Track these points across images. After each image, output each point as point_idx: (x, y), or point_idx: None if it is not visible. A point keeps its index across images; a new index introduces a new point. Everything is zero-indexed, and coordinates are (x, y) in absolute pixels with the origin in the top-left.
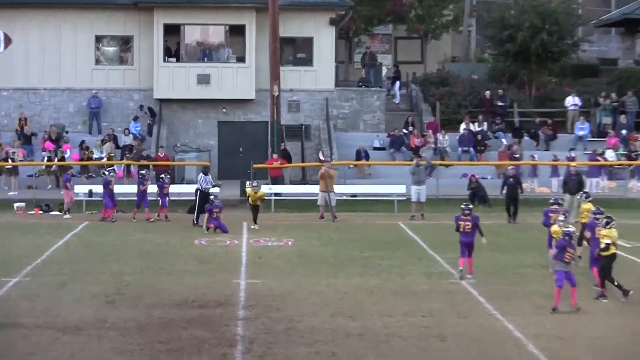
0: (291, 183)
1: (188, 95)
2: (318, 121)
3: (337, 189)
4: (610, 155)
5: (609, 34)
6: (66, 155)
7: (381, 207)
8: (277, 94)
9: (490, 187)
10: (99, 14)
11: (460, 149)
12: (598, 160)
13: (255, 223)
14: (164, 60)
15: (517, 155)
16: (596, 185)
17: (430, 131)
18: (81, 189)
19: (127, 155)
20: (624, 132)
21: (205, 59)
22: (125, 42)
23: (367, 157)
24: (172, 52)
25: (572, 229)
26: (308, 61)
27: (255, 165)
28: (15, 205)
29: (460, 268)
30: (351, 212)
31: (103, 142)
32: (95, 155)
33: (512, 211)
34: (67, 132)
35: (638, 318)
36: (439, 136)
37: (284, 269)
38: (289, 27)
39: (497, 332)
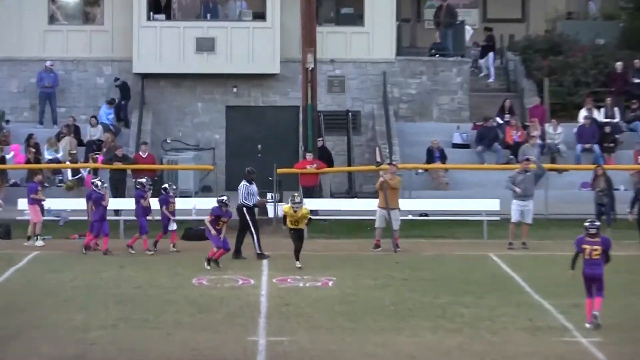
0: (333, 196)
1: (182, 69)
2: (372, 105)
3: (402, 204)
4: None
5: None
6: (8, 156)
7: (464, 231)
8: (311, 66)
9: (619, 202)
10: None
11: (579, 146)
12: None
13: (298, 259)
14: (148, 19)
15: None
16: None
17: (536, 120)
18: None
19: (93, 155)
20: None
21: (208, 15)
22: None
23: (443, 159)
24: (160, 7)
25: None
26: (357, 19)
27: (280, 171)
28: None
29: (595, 312)
30: (420, 239)
31: (59, 136)
32: (48, 156)
33: None
34: (7, 121)
35: None
36: (548, 128)
37: (322, 321)
38: None
39: None
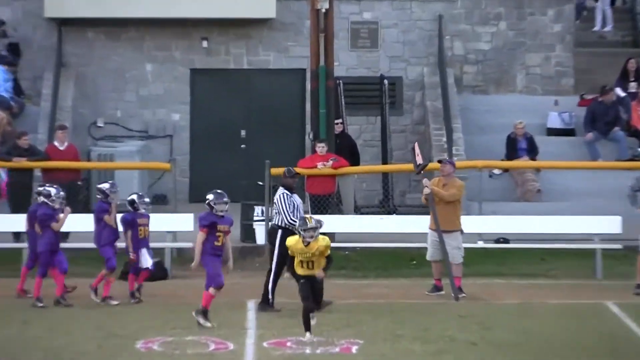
0: (359, 211)
1: (123, 11)
2: (420, 69)
3: (467, 223)
4: None
5: None
6: None
7: (565, 265)
8: (326, 6)
9: None
10: None
11: None
12: None
13: (309, 329)
14: None
15: None
16: None
17: None
18: None
19: None
20: None
21: None
22: None
23: (532, 152)
24: None
25: None
26: None
27: (275, 171)
28: None
29: None
30: (496, 278)
31: None
32: None
33: None
34: None
35: None
36: None
37: None
38: None
39: None
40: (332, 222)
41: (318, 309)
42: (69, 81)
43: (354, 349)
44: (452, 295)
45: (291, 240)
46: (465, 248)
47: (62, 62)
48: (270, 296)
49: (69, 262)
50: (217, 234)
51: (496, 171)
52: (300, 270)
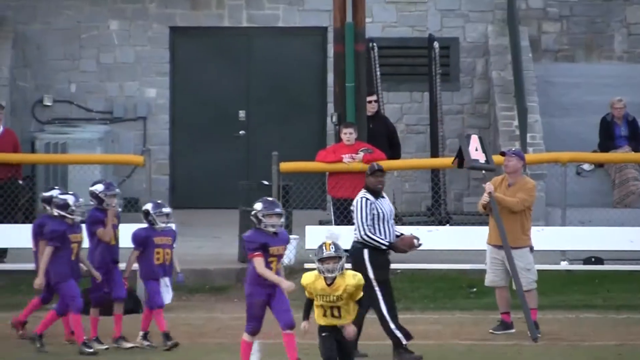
0: (399, 221)
1: None
2: (484, 27)
3: (543, 236)
4: None
5: None
6: None
7: None
8: None
9: None
10: None
11: None
12: None
13: None
14: None
15: None
16: None
17: None
18: None
19: None
20: None
21: None
22: None
23: (635, 139)
24: None
25: None
26: None
27: (286, 167)
28: None
29: None
30: (587, 311)
31: None
32: None
33: None
34: None
35: None
36: None
37: None
38: None
39: None
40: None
41: None
42: (5, 44)
43: None
44: (531, 337)
45: (308, 277)
46: (543, 271)
47: None
48: (399, 336)
49: (2, 289)
50: (270, 259)
51: (586, 167)
52: (321, 320)
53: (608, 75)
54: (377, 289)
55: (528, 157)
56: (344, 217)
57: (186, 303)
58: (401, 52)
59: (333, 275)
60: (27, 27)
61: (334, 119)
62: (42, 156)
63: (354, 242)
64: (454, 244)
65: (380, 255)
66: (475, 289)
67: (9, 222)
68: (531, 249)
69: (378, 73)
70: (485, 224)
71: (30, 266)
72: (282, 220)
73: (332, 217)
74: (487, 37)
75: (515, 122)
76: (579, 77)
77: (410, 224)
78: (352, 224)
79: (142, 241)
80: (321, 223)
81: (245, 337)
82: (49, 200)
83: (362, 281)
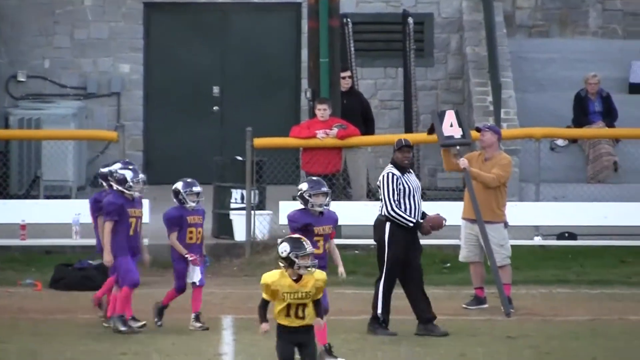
0: (372, 196)
1: None
2: (457, 3)
3: (518, 212)
4: None
5: None
6: None
7: None
8: None
9: None
10: None
11: None
12: None
13: None
14: None
15: None
16: None
17: None
18: None
19: None
20: None
21: None
22: None
23: (609, 115)
24: None
25: None
26: None
27: (260, 142)
28: None
29: None
30: (560, 286)
31: None
32: None
33: None
34: None
35: None
36: None
37: None
38: None
39: None
40: (336, 211)
41: None
42: None
43: None
44: (504, 312)
45: (272, 276)
46: (517, 246)
47: None
48: (380, 313)
49: None
50: (315, 238)
51: (560, 142)
52: (284, 320)
53: (582, 50)
54: (386, 264)
55: (502, 133)
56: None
57: (160, 278)
58: (375, 28)
59: (310, 271)
60: (1, 2)
61: (308, 94)
62: (16, 132)
63: (379, 215)
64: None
65: (402, 234)
66: (449, 265)
67: None
68: (505, 224)
69: (352, 49)
70: (460, 199)
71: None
72: (329, 199)
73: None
74: (461, 12)
75: (489, 98)
76: (553, 52)
77: None
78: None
79: (177, 221)
80: (295, 199)
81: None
82: (104, 177)
83: (325, 278)
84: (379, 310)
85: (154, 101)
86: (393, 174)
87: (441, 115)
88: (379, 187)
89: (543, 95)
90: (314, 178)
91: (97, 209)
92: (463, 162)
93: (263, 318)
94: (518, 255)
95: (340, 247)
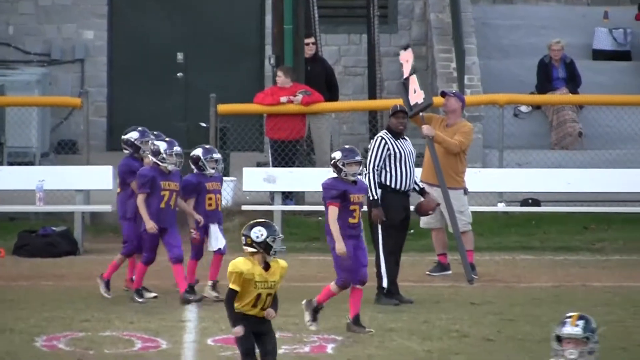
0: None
1: None
2: None
3: (479, 179)
4: None
5: None
6: None
7: (615, 234)
8: None
9: None
10: None
11: None
12: None
13: None
14: None
15: None
16: None
17: None
18: None
19: None
20: None
21: None
22: None
23: (572, 81)
24: None
25: None
26: None
27: (224, 109)
28: None
29: None
30: (524, 252)
31: None
32: None
33: None
34: None
35: None
36: None
37: None
38: None
39: None
40: (300, 178)
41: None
42: None
43: (330, 347)
44: (467, 279)
45: (244, 263)
46: (480, 213)
47: None
48: (385, 282)
49: None
50: (351, 207)
51: (523, 108)
52: (250, 310)
53: (546, 17)
54: (381, 232)
55: (466, 99)
56: (281, 158)
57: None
58: None
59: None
60: None
61: (272, 61)
62: None
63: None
64: None
65: (393, 197)
66: (412, 231)
67: None
68: (465, 191)
69: (316, 15)
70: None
71: None
72: (361, 168)
73: (270, 159)
74: None
75: (453, 64)
76: (518, 19)
77: None
78: (289, 165)
79: (194, 188)
80: (259, 165)
81: (334, 287)
82: (126, 142)
83: (285, 266)
84: (384, 282)
85: (118, 68)
86: (382, 138)
87: (406, 84)
88: (372, 153)
89: (507, 61)
90: (347, 147)
91: (122, 174)
92: (428, 128)
93: (237, 319)
94: (481, 222)
95: (304, 214)
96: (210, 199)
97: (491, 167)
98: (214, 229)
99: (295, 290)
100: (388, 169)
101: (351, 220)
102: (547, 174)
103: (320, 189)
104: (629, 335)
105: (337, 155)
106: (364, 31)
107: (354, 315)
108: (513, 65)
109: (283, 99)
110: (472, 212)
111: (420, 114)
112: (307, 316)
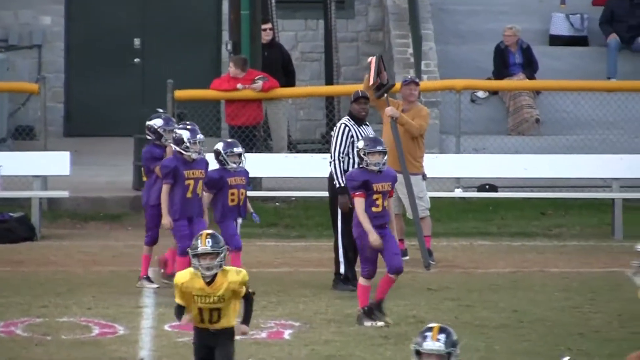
0: (294, 148)
1: None
2: None
3: (437, 164)
4: None
5: None
6: None
7: (573, 219)
8: None
9: None
10: None
11: None
12: None
13: None
14: None
15: None
16: None
17: None
18: None
19: None
20: None
21: None
22: None
23: (529, 67)
24: None
25: None
26: None
27: (181, 95)
28: None
29: None
30: (480, 238)
31: None
32: None
33: None
34: None
35: None
36: None
37: None
38: None
39: None
40: (257, 164)
41: None
42: None
43: (287, 333)
44: (424, 265)
45: (182, 276)
46: (437, 198)
47: None
48: (343, 269)
49: None
50: (375, 196)
51: (480, 94)
52: (199, 324)
53: (505, 2)
54: (339, 218)
55: (422, 85)
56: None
57: (80, 231)
58: None
59: (212, 273)
60: None
61: (229, 47)
62: None
63: (332, 168)
64: None
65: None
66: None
67: None
68: (423, 176)
69: (273, 1)
70: None
71: None
72: (386, 157)
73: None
74: None
75: (410, 50)
76: (475, 4)
77: (305, 151)
78: (247, 151)
79: (215, 183)
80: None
81: (362, 281)
82: (150, 129)
83: (247, 277)
84: (342, 268)
85: (75, 53)
86: (345, 125)
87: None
88: (336, 141)
89: (464, 47)
90: (370, 136)
91: (145, 160)
92: (392, 110)
93: (181, 316)
94: (439, 208)
95: (261, 200)
96: (232, 194)
97: (448, 152)
98: (234, 225)
99: (252, 276)
100: (351, 155)
101: (374, 209)
102: (504, 159)
103: (277, 175)
104: (587, 321)
105: (360, 144)
106: (321, 17)
107: (378, 299)
108: (471, 50)
109: (239, 85)
110: (430, 197)
111: (385, 95)
112: (378, 321)
